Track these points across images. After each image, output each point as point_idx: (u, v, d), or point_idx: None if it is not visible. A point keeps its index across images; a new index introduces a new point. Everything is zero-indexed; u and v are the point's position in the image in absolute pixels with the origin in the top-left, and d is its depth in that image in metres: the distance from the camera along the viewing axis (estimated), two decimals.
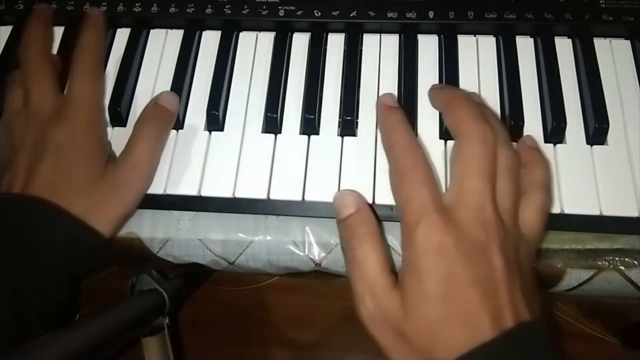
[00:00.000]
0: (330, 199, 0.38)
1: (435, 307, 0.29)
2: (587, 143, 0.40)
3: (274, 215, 0.41)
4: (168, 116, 0.41)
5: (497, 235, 0.30)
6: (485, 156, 0.32)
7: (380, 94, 0.42)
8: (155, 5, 0.45)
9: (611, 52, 0.43)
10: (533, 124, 0.41)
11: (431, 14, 0.43)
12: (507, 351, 0.28)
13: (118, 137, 0.41)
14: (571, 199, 0.38)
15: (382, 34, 0.45)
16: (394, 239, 0.40)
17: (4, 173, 0.38)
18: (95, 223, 0.37)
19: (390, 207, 0.38)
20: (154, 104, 0.40)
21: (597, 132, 0.40)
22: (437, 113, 0.42)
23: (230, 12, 0.45)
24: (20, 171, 0.37)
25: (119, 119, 0.42)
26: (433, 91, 0.40)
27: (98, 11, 0.44)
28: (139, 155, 0.39)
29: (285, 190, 0.39)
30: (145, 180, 0.39)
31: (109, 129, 0.42)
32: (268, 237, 0.41)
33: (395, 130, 0.36)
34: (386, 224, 0.39)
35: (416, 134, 0.41)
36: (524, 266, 0.31)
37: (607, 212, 0.38)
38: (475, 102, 0.36)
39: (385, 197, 0.38)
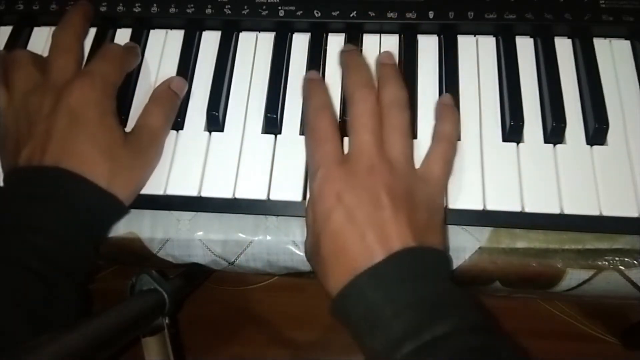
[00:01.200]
0: None
1: (329, 243, 0.34)
2: (587, 143, 0.40)
3: (274, 215, 0.41)
4: (177, 100, 0.42)
5: (382, 178, 0.34)
6: (366, 114, 0.37)
7: None
8: (155, 5, 0.45)
9: (611, 52, 0.43)
10: (533, 124, 0.41)
11: (431, 14, 0.43)
12: (392, 270, 0.32)
13: None
14: (571, 199, 0.38)
15: (382, 34, 0.45)
16: None
17: (20, 148, 0.38)
18: (118, 187, 0.38)
19: None
20: (167, 87, 0.42)
21: (597, 133, 0.40)
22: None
23: (230, 12, 0.45)
24: (37, 142, 0.37)
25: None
26: (340, 56, 0.43)
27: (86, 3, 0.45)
28: (157, 126, 0.40)
29: (285, 191, 0.39)
30: (160, 154, 0.41)
31: None
32: (268, 237, 0.41)
33: (310, 95, 0.40)
34: None
35: (416, 134, 0.41)
36: (419, 204, 0.35)
37: (607, 212, 0.38)
38: (363, 68, 0.40)
39: None
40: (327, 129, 0.38)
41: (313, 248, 0.36)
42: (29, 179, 0.37)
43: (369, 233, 0.33)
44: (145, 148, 0.39)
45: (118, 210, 0.38)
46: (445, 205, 0.38)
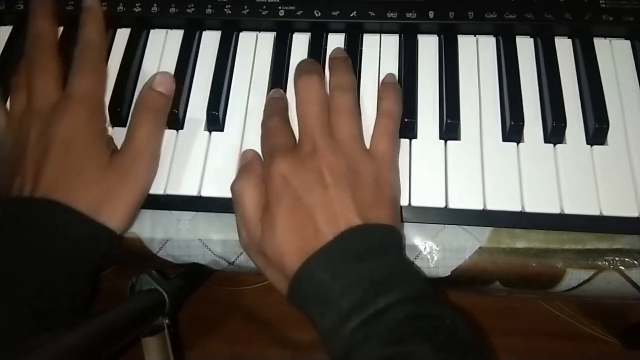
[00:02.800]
0: None
1: (279, 226, 0.34)
2: (587, 143, 0.40)
3: None
4: (164, 100, 0.41)
5: (324, 159, 0.35)
6: (310, 101, 0.38)
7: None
8: (155, 5, 0.45)
9: (611, 52, 0.43)
10: (533, 124, 0.41)
11: (431, 14, 0.43)
12: (339, 249, 0.33)
13: (119, 137, 0.41)
14: (571, 199, 0.38)
15: (382, 34, 0.45)
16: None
17: (14, 176, 0.38)
18: (108, 213, 0.37)
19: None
20: (148, 88, 0.41)
21: (597, 132, 0.40)
22: (437, 113, 0.42)
23: (230, 12, 0.45)
24: (28, 172, 0.37)
25: (119, 119, 0.42)
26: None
27: (97, 4, 0.44)
28: (141, 141, 0.39)
29: None
30: (151, 166, 0.40)
31: (110, 129, 0.42)
32: None
33: (265, 108, 0.41)
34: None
35: (416, 134, 0.41)
36: (365, 181, 0.36)
37: (607, 212, 0.38)
38: (311, 61, 0.42)
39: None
40: (277, 125, 0.39)
41: (266, 238, 0.35)
42: (21, 211, 0.37)
43: (316, 214, 0.34)
44: (130, 166, 0.38)
45: (107, 238, 0.38)
46: (445, 204, 0.38)
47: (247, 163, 0.39)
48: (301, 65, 0.41)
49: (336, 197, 0.34)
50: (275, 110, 0.41)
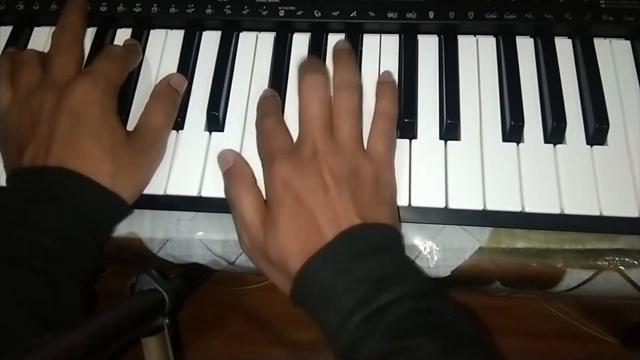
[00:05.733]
0: None
1: (282, 228, 0.35)
2: (587, 143, 0.40)
3: None
4: (177, 97, 0.42)
5: (325, 161, 0.35)
6: (312, 102, 0.38)
7: None
8: (155, 5, 0.45)
9: (611, 52, 0.43)
10: (533, 124, 0.41)
11: (431, 14, 0.43)
12: (341, 248, 0.33)
13: None
14: (571, 199, 0.38)
15: (382, 34, 0.45)
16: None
17: (25, 147, 0.38)
18: (121, 186, 0.38)
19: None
20: (167, 84, 0.42)
21: (597, 133, 0.40)
22: (437, 113, 0.42)
23: (230, 12, 0.45)
24: (41, 142, 0.37)
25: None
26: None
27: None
28: (159, 125, 0.40)
29: None
30: (162, 152, 0.41)
31: None
32: None
33: (259, 107, 0.41)
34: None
35: (416, 134, 0.41)
36: (364, 182, 0.36)
37: (607, 212, 0.38)
38: (315, 59, 0.42)
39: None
40: (273, 125, 0.39)
41: (269, 241, 0.35)
42: (33, 180, 0.37)
43: (318, 216, 0.34)
44: (147, 147, 0.40)
45: (122, 209, 0.39)
46: (445, 204, 0.38)
47: (234, 167, 0.39)
48: (305, 63, 0.41)
49: (337, 199, 0.35)
50: (269, 110, 0.41)
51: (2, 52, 0.45)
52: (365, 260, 0.33)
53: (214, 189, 0.40)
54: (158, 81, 0.43)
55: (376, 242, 0.34)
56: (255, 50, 0.45)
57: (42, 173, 0.37)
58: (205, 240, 0.41)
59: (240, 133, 0.42)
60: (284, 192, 0.35)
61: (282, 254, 0.35)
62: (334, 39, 0.45)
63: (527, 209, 0.38)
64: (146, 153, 0.39)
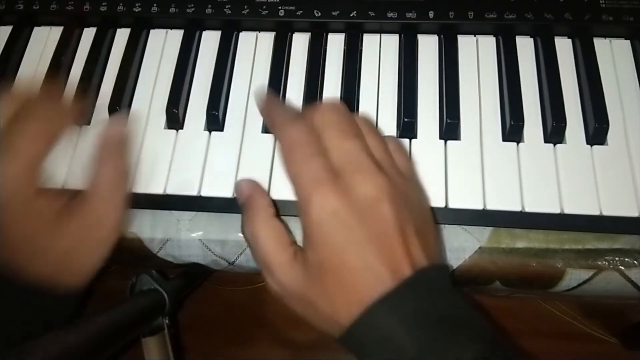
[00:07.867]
0: None
1: (333, 273, 0.30)
2: (587, 143, 0.40)
3: None
4: (120, 150, 0.37)
5: (383, 187, 0.30)
6: (343, 120, 0.33)
7: (380, 94, 0.42)
8: (155, 5, 0.45)
9: (611, 52, 0.43)
10: (533, 124, 0.41)
11: (431, 14, 0.43)
12: (406, 298, 0.29)
13: None
14: (571, 198, 0.38)
15: (382, 34, 0.45)
16: None
17: None
18: (62, 275, 0.34)
19: None
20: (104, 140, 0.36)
21: (597, 132, 0.40)
22: (437, 113, 0.42)
23: (230, 12, 0.45)
24: None
25: None
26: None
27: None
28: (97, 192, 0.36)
29: (285, 190, 0.39)
30: (115, 214, 0.36)
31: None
32: None
33: (273, 110, 0.36)
34: None
35: (416, 134, 0.41)
36: (415, 209, 0.32)
37: (607, 212, 0.38)
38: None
39: None
40: (308, 142, 0.32)
41: (308, 281, 0.31)
42: None
43: (374, 256, 0.29)
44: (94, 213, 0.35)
45: (67, 303, 0.35)
46: (445, 204, 0.38)
47: (248, 200, 0.35)
48: (324, 104, 0.35)
49: (398, 234, 0.30)
50: (287, 116, 0.34)
51: None
52: (428, 304, 0.29)
53: (214, 189, 0.40)
54: (158, 81, 0.43)
55: (436, 283, 0.30)
56: (255, 50, 0.45)
57: None
58: (205, 240, 0.41)
59: (240, 133, 0.42)
60: (332, 229, 0.30)
61: (332, 301, 0.30)
62: (334, 39, 0.45)
63: (527, 209, 0.38)
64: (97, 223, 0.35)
